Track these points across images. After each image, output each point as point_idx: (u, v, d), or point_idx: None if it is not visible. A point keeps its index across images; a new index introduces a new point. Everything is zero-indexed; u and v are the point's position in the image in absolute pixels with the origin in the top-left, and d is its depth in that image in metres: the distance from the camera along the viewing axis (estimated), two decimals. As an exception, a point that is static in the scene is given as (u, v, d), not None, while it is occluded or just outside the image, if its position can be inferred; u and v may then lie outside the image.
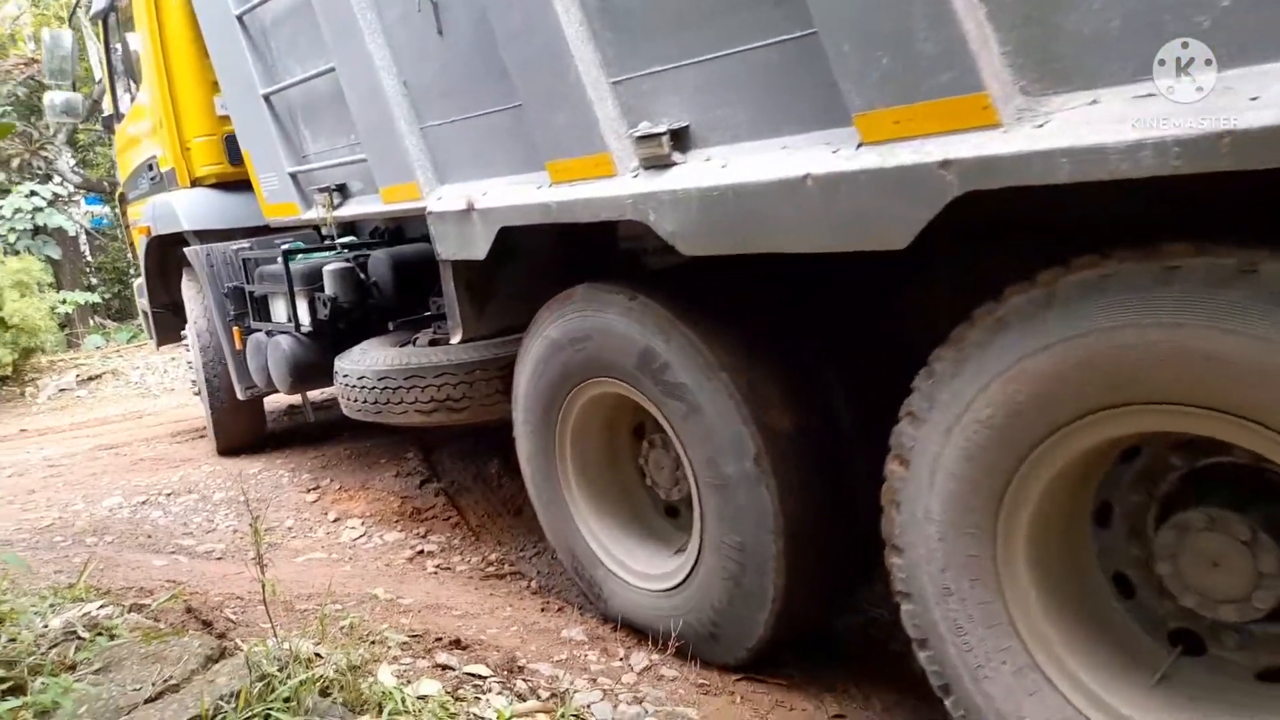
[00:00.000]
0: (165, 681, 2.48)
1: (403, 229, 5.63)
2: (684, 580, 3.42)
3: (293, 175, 4.89)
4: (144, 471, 6.96)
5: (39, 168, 15.17)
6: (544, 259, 4.02)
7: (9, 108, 15.04)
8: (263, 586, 2.77)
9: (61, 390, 11.89)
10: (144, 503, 6.04)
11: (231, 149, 6.11)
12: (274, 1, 4.59)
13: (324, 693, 2.45)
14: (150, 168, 6.90)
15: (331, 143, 4.64)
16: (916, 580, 2.64)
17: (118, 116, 7.61)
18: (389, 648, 3.05)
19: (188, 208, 6.36)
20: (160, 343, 7.91)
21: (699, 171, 2.84)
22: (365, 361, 4.69)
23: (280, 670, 2.43)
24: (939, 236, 2.29)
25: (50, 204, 14.43)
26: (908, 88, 2.29)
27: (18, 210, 14.13)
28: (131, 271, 17.46)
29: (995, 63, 2.17)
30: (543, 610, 4.15)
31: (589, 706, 2.90)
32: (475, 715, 2.63)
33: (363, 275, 5.23)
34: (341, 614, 3.33)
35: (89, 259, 17.25)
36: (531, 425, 3.91)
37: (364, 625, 3.18)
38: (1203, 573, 2.32)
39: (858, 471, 3.17)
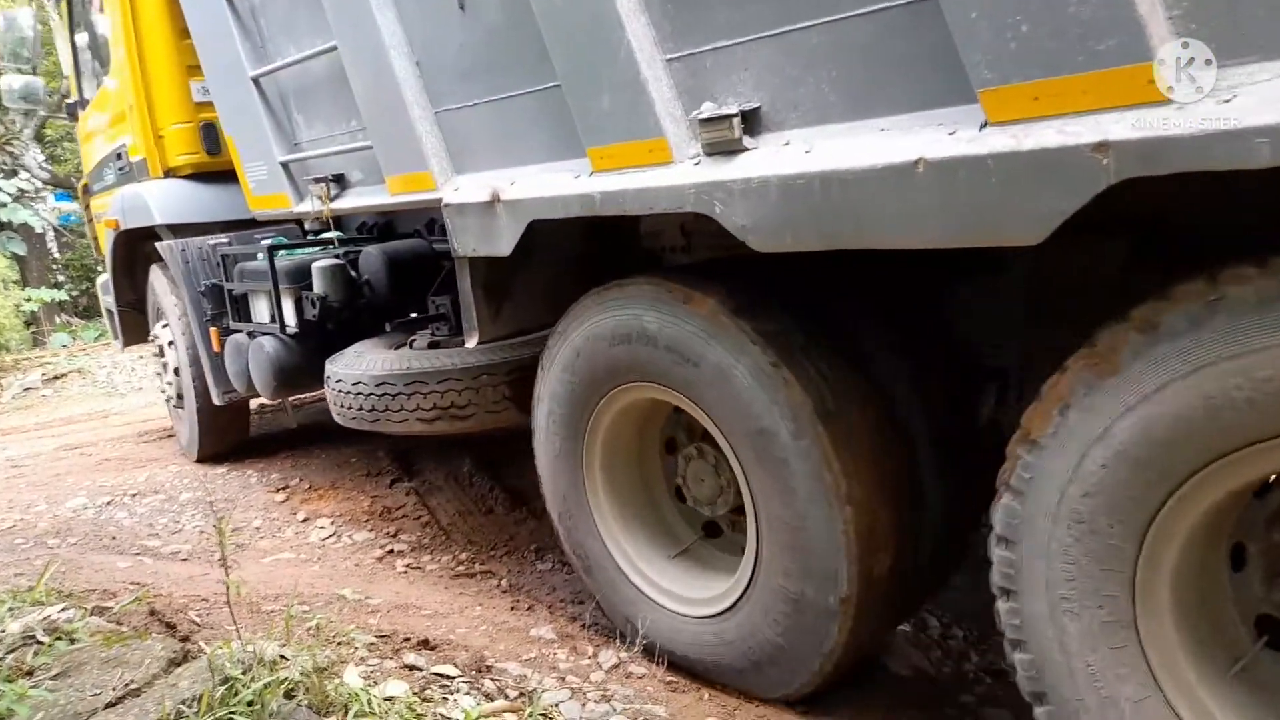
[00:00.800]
0: (126, 686, 2.38)
1: (393, 224, 5.10)
2: (733, 605, 2.97)
3: (284, 164, 4.34)
4: (109, 472, 6.61)
5: (4, 163, 14.33)
6: (561, 256, 3.55)
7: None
8: (227, 588, 2.65)
9: (26, 389, 11.23)
10: (109, 503, 5.75)
11: (209, 137, 5.56)
12: (270, -21, 4.07)
13: (289, 695, 2.36)
14: (119, 157, 6.24)
15: (329, 129, 4.11)
16: (1034, 628, 2.21)
17: (82, 103, 6.91)
18: (356, 649, 2.95)
19: (161, 200, 5.72)
20: (126, 343, 7.21)
21: (776, 158, 2.40)
22: (361, 365, 4.18)
23: (244, 673, 2.36)
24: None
25: (15, 199, 13.64)
26: (1053, 58, 1.87)
27: (-19, 206, 13.39)
28: (99, 267, 16.72)
29: (1165, 28, 1.76)
30: (512, 609, 3.97)
31: (557, 705, 2.80)
32: (442, 716, 2.55)
33: (353, 273, 4.70)
34: (309, 615, 3.25)
35: (56, 256, 16.39)
36: (557, 432, 3.43)
37: (331, 626, 3.09)
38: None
39: (929, 486, 2.79)
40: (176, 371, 6.07)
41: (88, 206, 7.50)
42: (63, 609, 3.03)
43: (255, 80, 4.30)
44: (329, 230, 5.33)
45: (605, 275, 3.60)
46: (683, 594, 3.18)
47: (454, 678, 2.87)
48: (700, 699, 3.07)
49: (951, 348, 2.95)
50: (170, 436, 7.75)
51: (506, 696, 2.80)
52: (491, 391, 3.98)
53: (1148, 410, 1.96)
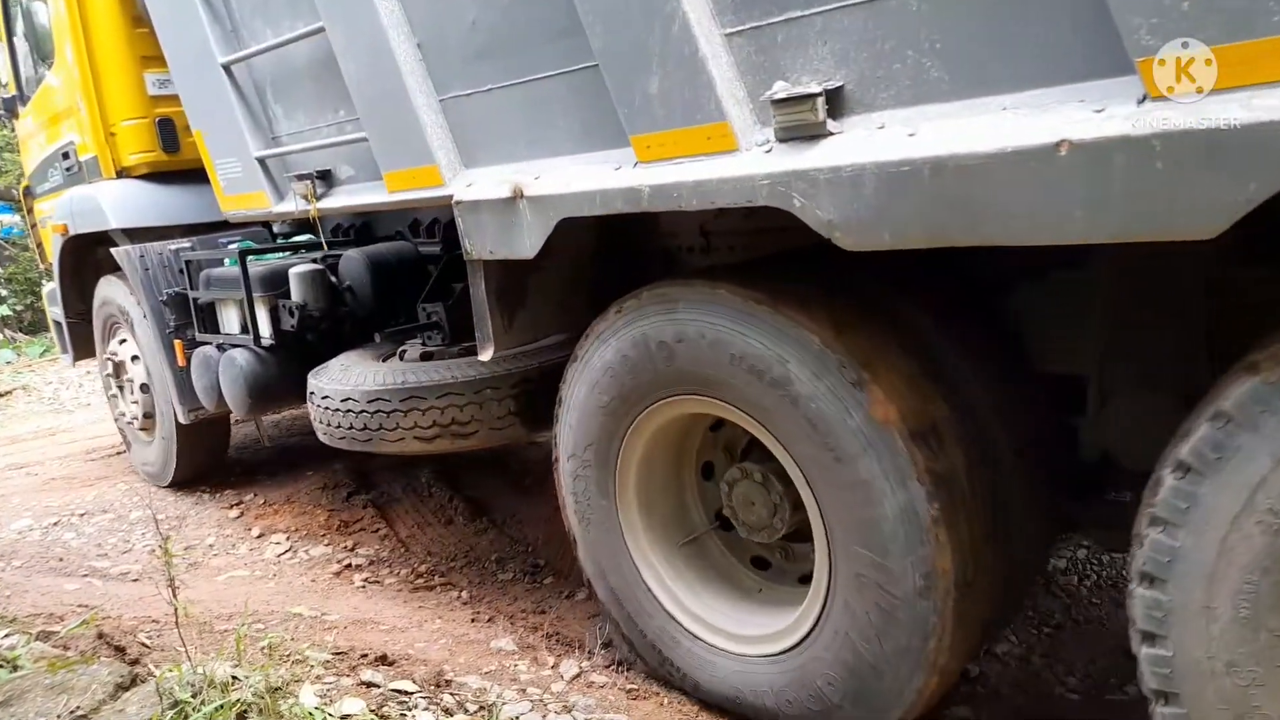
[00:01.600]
0: (71, 713, 2.28)
1: (372, 225, 4.58)
2: (799, 643, 2.54)
3: (261, 161, 3.80)
4: (56, 491, 6.19)
5: (-59, 175, 13.38)
6: (573, 258, 3.11)
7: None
8: (175, 610, 2.52)
9: (-32, 407, 10.34)
10: (55, 524, 5.41)
11: (165, 134, 4.96)
12: (242, -49, 3.55)
13: (241, 717, 2.27)
14: (65, 156, 5.57)
15: (312, 120, 3.59)
16: (1189, 681, 1.84)
17: (21, 99, 6.13)
18: (311, 667, 2.82)
19: (115, 202, 5.07)
20: (77, 357, 6.43)
21: (871, 143, 2.00)
22: (350, 380, 3.67)
23: (194, 696, 2.26)
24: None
25: (-46, 212, 12.70)
26: (1239, 20, 1.51)
27: (-82, 219, 12.40)
28: (44, 280, 15.73)
29: None
30: (473, 621, 3.77)
31: (517, 718, 2.69)
32: None
33: (333, 279, 4.18)
34: (262, 634, 3.14)
35: (-2, 269, 15.40)
36: (584, 451, 2.96)
37: (285, 644, 2.99)
38: None
39: (1013, 502, 2.42)
40: (144, 388, 5.41)
41: (30, 210, 6.74)
42: (5, 635, 2.90)
43: (226, 68, 3.75)
44: (303, 233, 4.82)
45: (619, 278, 3.19)
46: (734, 630, 2.74)
47: (412, 693, 2.75)
48: (660, 705, 2.92)
49: (1023, 352, 2.58)
50: (119, 454, 7.29)
51: (466, 711, 2.68)
52: (496, 406, 3.52)
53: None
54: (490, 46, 2.79)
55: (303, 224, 4.74)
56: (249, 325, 4.26)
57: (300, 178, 3.54)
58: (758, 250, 3.15)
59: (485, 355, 3.06)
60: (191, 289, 4.63)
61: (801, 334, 2.29)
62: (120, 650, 3.01)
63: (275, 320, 4.17)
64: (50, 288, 6.39)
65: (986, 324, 2.60)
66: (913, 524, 2.19)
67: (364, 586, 4.24)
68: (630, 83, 2.40)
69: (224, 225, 4.88)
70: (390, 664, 3.01)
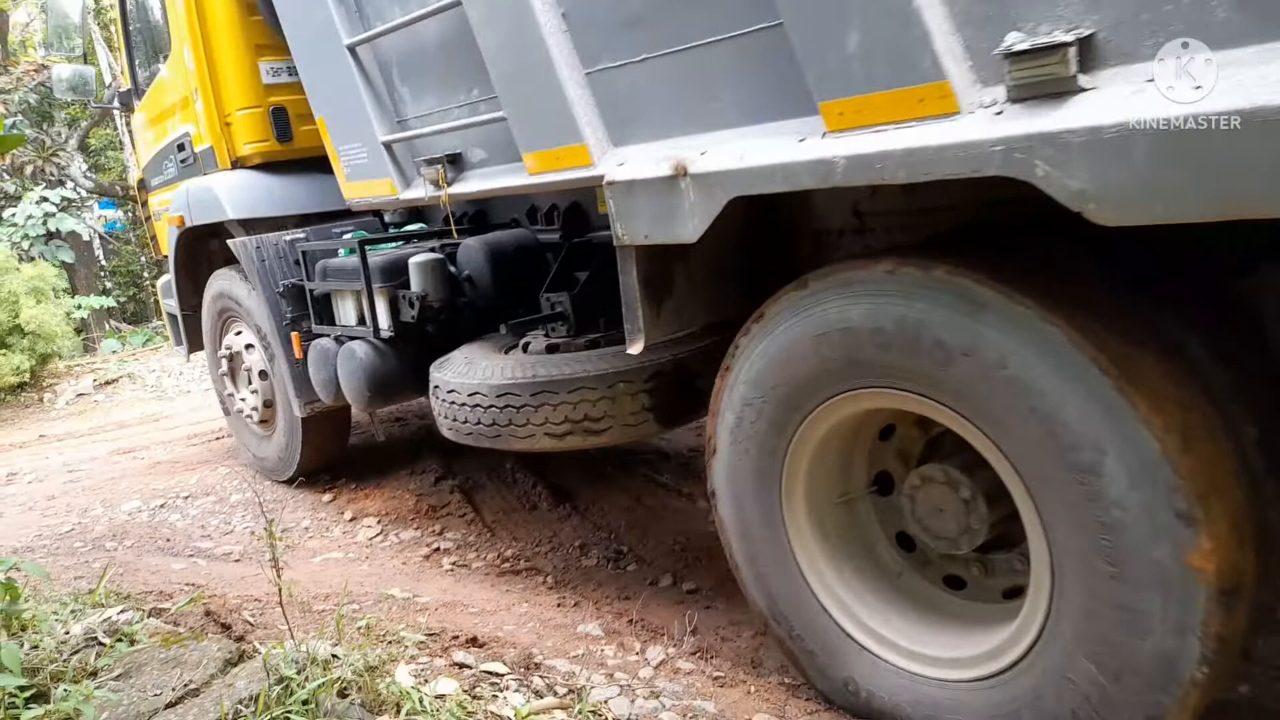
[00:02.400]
0: (185, 686, 2.31)
1: (486, 212, 4.27)
2: (1014, 664, 2.17)
3: (387, 146, 3.50)
4: (161, 474, 6.23)
5: (51, 174, 13.44)
6: (723, 243, 2.76)
7: (19, 115, 13.36)
8: (279, 590, 2.50)
9: (79, 395, 10.28)
10: (162, 506, 5.44)
11: (279, 123, 4.68)
12: (371, -73, 3.25)
13: (342, 694, 2.27)
14: (180, 148, 5.27)
15: (441, 102, 3.29)
16: None
17: (137, 92, 5.85)
18: (406, 647, 2.80)
19: (232, 193, 4.76)
20: (191, 349, 6.12)
21: (1138, 100, 1.62)
22: (477, 374, 3.38)
23: (298, 673, 2.27)
24: None
25: (62, 209, 12.75)
26: None
27: (30, 217, 12.44)
28: (146, 273, 15.88)
29: None
30: (559, 606, 3.68)
31: (606, 702, 2.61)
32: (493, 713, 2.41)
33: (451, 268, 3.89)
34: (359, 614, 3.14)
35: (103, 263, 15.51)
36: (747, 451, 2.62)
37: (381, 625, 2.99)
38: None
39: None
40: (263, 375, 5.10)
41: (144, 203, 6.46)
42: (121, 610, 2.93)
43: (351, 49, 3.45)
44: (413, 222, 4.54)
45: (765, 263, 2.87)
46: (930, 653, 2.37)
47: (503, 675, 2.72)
48: (748, 693, 2.79)
49: (1265, 343, 2.18)
50: (219, 439, 7.24)
51: (555, 694, 2.63)
52: (629, 401, 3.20)
53: None
54: (646, 12, 2.46)
55: (414, 212, 4.47)
56: (367, 317, 3.97)
57: (430, 162, 3.23)
58: (917, 231, 2.78)
59: (635, 348, 2.73)
60: (308, 280, 4.36)
61: (1041, 324, 1.91)
62: (226, 627, 3.04)
63: (394, 311, 3.87)
64: (164, 280, 6.16)
65: (1227, 311, 2.19)
66: (1160, 512, 1.80)
67: (452, 570, 4.15)
68: (822, 41, 2.04)
69: (337, 215, 4.63)
70: (481, 646, 2.97)
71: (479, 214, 4.25)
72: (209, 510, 5.30)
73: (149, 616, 2.96)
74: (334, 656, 2.42)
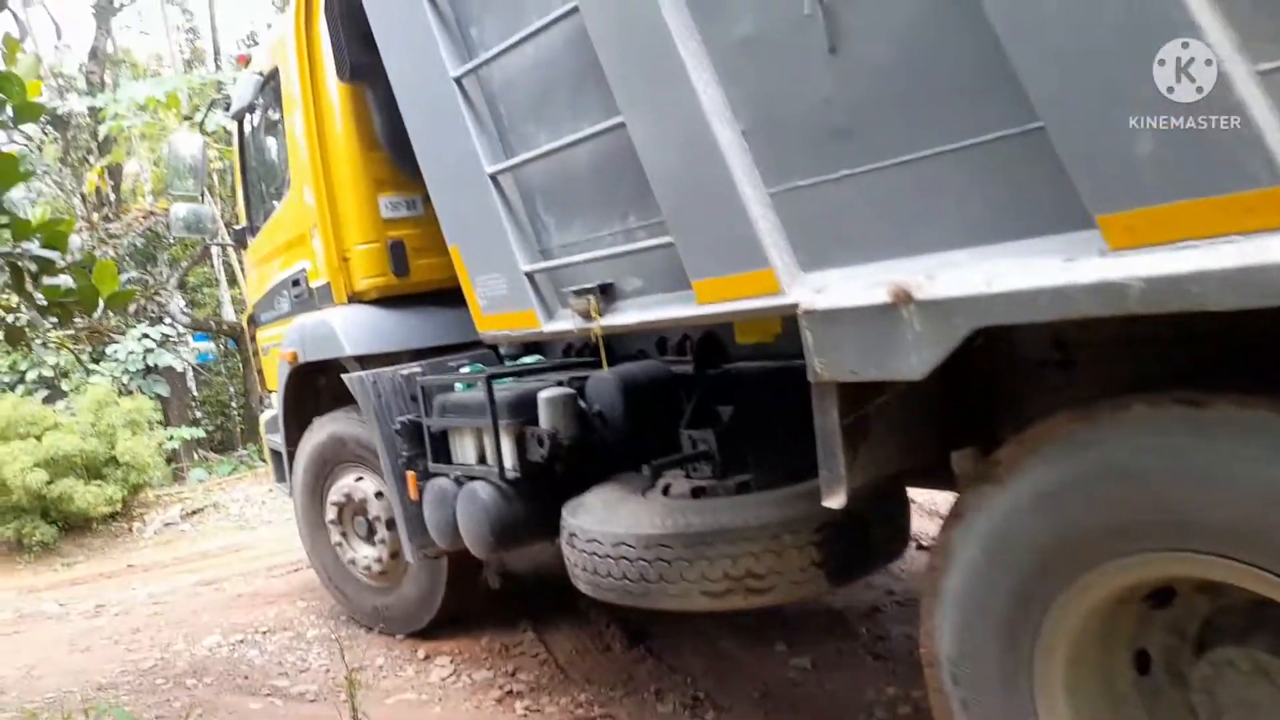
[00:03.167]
0: None
1: (609, 344, 3.89)
2: None
3: (529, 275, 3.14)
4: (242, 608, 6.16)
5: (153, 311, 13.60)
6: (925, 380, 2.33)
7: (127, 257, 13.66)
8: None
9: (166, 525, 10.00)
10: (241, 641, 5.34)
11: (396, 257, 4.40)
12: (516, 54, 2.98)
13: None
14: (295, 284, 5.02)
15: (591, 229, 2.95)
16: None
17: (251, 230, 5.66)
18: None
19: (349, 328, 4.44)
20: (279, 478, 5.79)
21: None
22: (620, 521, 2.93)
23: None
24: None
25: (161, 344, 12.82)
26: None
27: (131, 353, 12.51)
28: (234, 403, 15.85)
29: None
30: None
31: None
32: None
33: (581, 403, 3.49)
34: None
35: (195, 394, 15.53)
36: (978, 622, 2.10)
37: None
38: None
39: None
40: (390, 524, 4.54)
41: (254, 338, 6.16)
42: None
43: (493, 178, 3.15)
44: (529, 354, 4.18)
45: (961, 400, 2.44)
46: None
47: None
48: None
49: None
50: (296, 571, 7.01)
51: None
52: (797, 555, 2.71)
53: None
54: (854, 123, 2.10)
55: (527, 344, 4.12)
56: (489, 455, 3.56)
57: (579, 293, 2.86)
58: (1124, 364, 2.33)
59: (834, 500, 2.25)
60: (426, 416, 3.97)
61: None
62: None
63: (521, 450, 3.46)
64: (269, 416, 5.81)
65: None
66: None
67: (525, 715, 3.91)
68: (1101, 144, 1.65)
69: (450, 349, 4.30)
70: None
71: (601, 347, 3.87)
72: (286, 646, 5.15)
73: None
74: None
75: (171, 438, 11.82)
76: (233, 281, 14.36)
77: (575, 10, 2.67)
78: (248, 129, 5.43)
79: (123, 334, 12.63)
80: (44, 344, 10.00)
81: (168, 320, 13.39)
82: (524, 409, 3.46)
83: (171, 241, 14.87)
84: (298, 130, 4.56)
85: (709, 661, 4.16)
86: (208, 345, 15.08)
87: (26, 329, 5.67)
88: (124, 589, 7.41)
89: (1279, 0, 1.47)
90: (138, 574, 8.12)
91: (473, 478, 3.67)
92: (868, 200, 2.13)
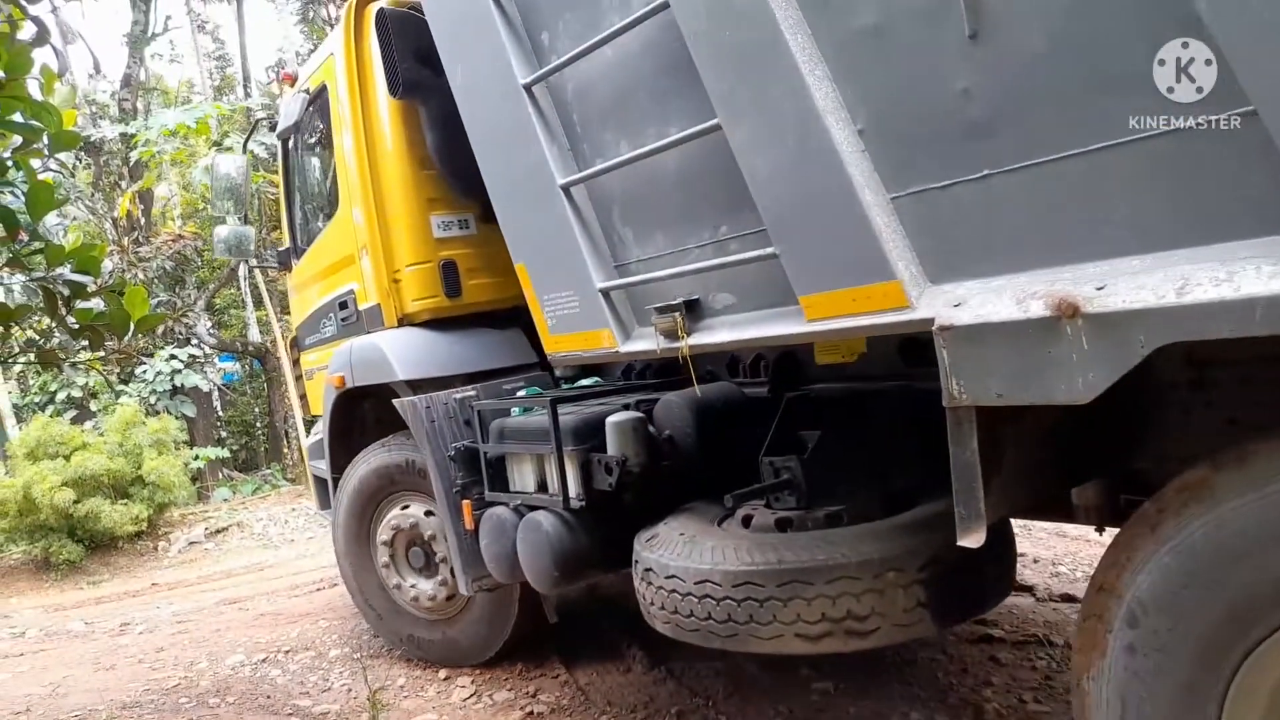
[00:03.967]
0: None
1: (675, 365, 3.57)
2: None
3: (605, 293, 2.84)
4: (265, 627, 5.96)
5: (180, 333, 13.31)
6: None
7: (156, 280, 13.39)
8: None
9: (191, 543, 9.68)
10: (264, 660, 5.16)
11: (448, 278, 4.08)
12: (592, 58, 2.69)
13: None
14: (343, 306, 4.65)
15: (675, 241, 2.64)
16: None
17: (296, 251, 5.31)
18: None
19: (401, 352, 4.08)
20: (323, 505, 5.37)
21: None
22: (703, 556, 2.60)
23: None
24: None
25: (188, 365, 12.53)
26: None
27: (159, 373, 12.22)
28: (259, 423, 15.54)
29: None
30: None
31: None
32: None
33: (650, 428, 3.18)
34: None
35: (220, 414, 15.20)
36: (1153, 676, 1.77)
37: None
38: None
39: None
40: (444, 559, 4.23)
41: (296, 362, 5.78)
42: None
43: (565, 189, 2.86)
44: (585, 377, 3.86)
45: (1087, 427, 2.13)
46: None
47: None
48: None
49: None
50: (319, 590, 6.93)
51: None
52: (902, 595, 2.39)
53: None
54: (999, 117, 1.82)
55: (586, 367, 3.81)
56: (552, 483, 3.23)
57: (662, 310, 2.55)
58: (1264, 385, 2.04)
59: (973, 539, 1.94)
60: (483, 442, 3.62)
61: None
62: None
63: (586, 477, 3.13)
64: (312, 441, 5.42)
65: None
66: None
67: None
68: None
69: (501, 373, 3.99)
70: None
71: (665, 367, 3.56)
72: (308, 666, 4.96)
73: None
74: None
75: (197, 457, 11.55)
76: (258, 304, 14.12)
77: (665, 6, 2.39)
78: (294, 151, 5.13)
79: (151, 355, 12.35)
80: (74, 365, 9.74)
81: (195, 341, 13.13)
82: (590, 434, 3.14)
83: (199, 264, 14.65)
84: (347, 148, 4.26)
85: (730, 684, 3.96)
86: (233, 366, 14.80)
87: (59, 351, 5.50)
88: (149, 607, 7.22)
89: None
90: (162, 592, 7.93)
91: (533, 507, 3.33)
92: (1016, 202, 1.84)
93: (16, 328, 3.56)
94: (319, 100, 4.60)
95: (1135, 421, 2.18)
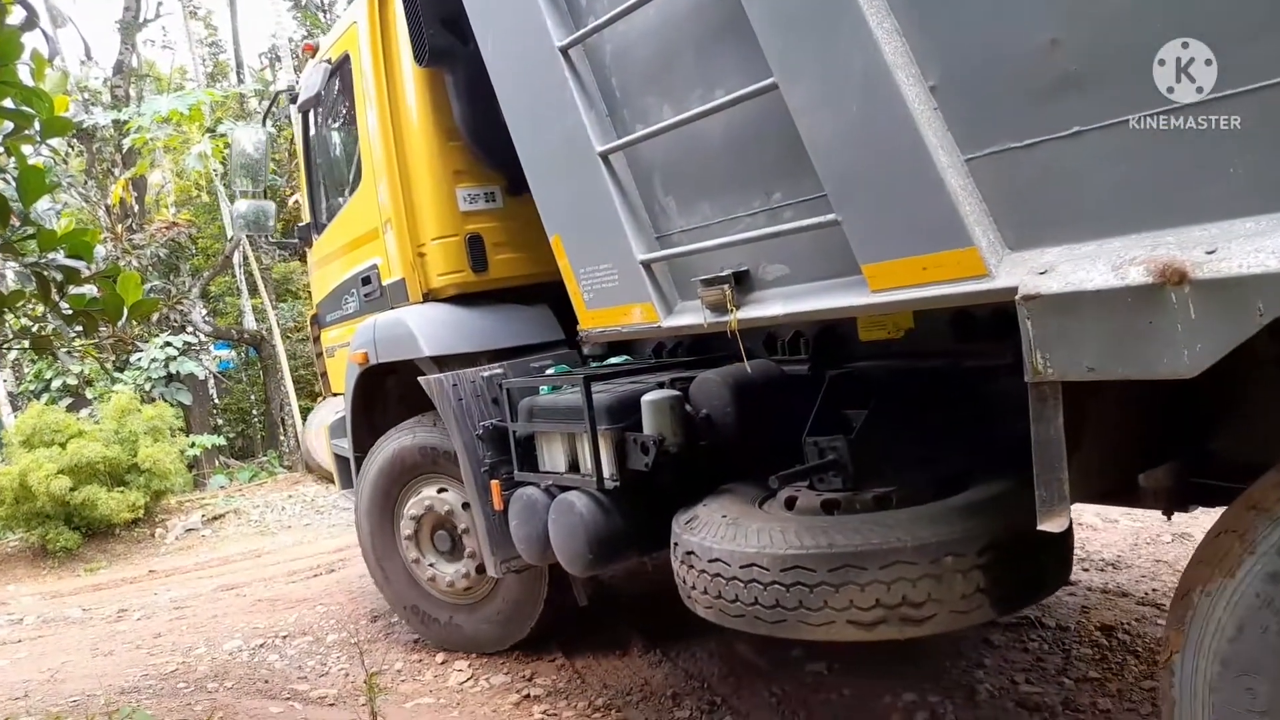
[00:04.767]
0: None
1: (708, 342, 3.40)
2: None
3: (646, 265, 2.68)
4: (262, 612, 5.90)
5: (175, 320, 13.05)
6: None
7: (150, 267, 13.13)
8: None
9: (188, 530, 9.47)
10: (261, 646, 5.11)
11: (475, 252, 3.92)
12: (634, 17, 2.51)
13: None
14: (366, 281, 4.48)
15: (723, 210, 2.48)
16: None
17: (317, 227, 5.11)
18: None
19: (426, 328, 3.91)
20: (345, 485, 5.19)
21: None
22: (749, 539, 2.46)
23: None
24: None
25: (183, 352, 12.29)
26: None
27: (154, 360, 11.98)
28: (255, 410, 15.31)
29: None
30: None
31: None
32: None
33: (687, 407, 3.03)
34: None
35: (216, 402, 14.95)
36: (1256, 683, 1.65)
37: None
38: None
39: None
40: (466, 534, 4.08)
41: (317, 339, 5.55)
42: None
43: (604, 157, 2.70)
44: (614, 355, 3.71)
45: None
46: None
47: None
48: None
49: None
50: (316, 576, 6.84)
51: None
52: (960, 581, 2.25)
53: None
54: (1093, 68, 1.67)
55: (618, 346, 3.65)
56: (585, 463, 3.09)
57: (709, 283, 2.39)
58: None
59: (1056, 523, 1.80)
60: (512, 420, 3.47)
61: None
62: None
63: (621, 457, 2.99)
64: (335, 420, 5.21)
65: None
66: None
67: (543, 719, 3.74)
68: None
69: (528, 350, 3.85)
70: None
71: (698, 344, 3.41)
72: (305, 650, 4.93)
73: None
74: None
75: (193, 444, 11.34)
76: (253, 291, 13.88)
77: (716, -40, 2.24)
78: (314, 125, 4.94)
79: (146, 342, 12.11)
80: (69, 352, 9.53)
81: (190, 329, 12.88)
82: (625, 413, 3.00)
83: (193, 252, 14.38)
84: (370, 120, 4.09)
85: (726, 666, 3.92)
86: (229, 353, 14.55)
87: (52, 337, 5.41)
88: (146, 594, 7.14)
89: None
90: (159, 579, 7.83)
91: (565, 488, 3.20)
92: (1111, 161, 1.70)
93: (10, 314, 3.44)
94: (341, 71, 4.41)
95: (1221, 399, 2.05)
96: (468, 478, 3.60)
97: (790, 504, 2.70)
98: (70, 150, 13.70)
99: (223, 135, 12.27)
